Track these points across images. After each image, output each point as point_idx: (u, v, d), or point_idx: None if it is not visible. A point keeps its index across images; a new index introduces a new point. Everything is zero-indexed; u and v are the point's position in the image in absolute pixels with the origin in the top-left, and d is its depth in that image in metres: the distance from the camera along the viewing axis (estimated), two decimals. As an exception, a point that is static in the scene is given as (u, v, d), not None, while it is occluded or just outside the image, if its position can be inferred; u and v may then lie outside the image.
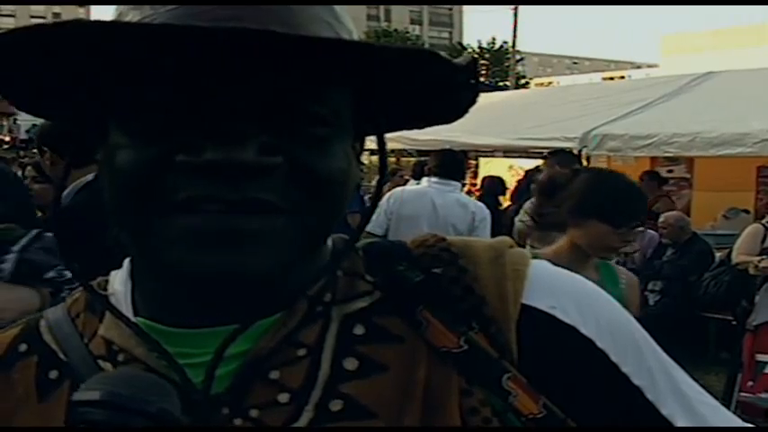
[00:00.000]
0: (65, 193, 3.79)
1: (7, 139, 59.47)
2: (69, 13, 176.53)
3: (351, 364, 0.95)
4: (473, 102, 0.99)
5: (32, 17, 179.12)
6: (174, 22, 0.83)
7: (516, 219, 6.80)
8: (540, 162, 9.76)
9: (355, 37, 0.95)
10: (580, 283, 1.04)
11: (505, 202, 10.70)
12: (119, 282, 1.05)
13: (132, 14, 0.90)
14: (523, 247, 1.07)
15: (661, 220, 9.93)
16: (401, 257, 1.03)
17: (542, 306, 0.98)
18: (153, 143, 0.86)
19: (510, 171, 12.74)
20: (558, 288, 1.01)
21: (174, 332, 0.96)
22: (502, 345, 0.96)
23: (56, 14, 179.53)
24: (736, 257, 8.21)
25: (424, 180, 7.45)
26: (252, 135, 0.84)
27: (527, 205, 6.74)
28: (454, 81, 0.93)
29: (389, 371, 0.94)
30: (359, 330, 0.97)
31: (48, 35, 0.82)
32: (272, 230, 0.86)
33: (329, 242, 1.03)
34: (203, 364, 0.93)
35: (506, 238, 1.07)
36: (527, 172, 10.21)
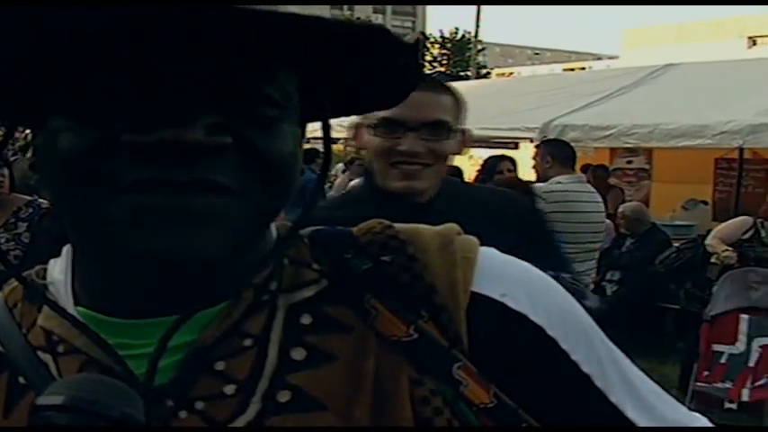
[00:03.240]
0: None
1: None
2: None
3: (298, 354, 0.93)
4: (416, 85, 0.98)
5: None
6: None
7: None
8: (500, 152, 9.78)
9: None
10: (529, 270, 1.03)
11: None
12: (58, 270, 1.02)
13: None
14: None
15: (620, 210, 10.01)
16: (348, 245, 1.01)
17: (492, 294, 0.97)
18: (97, 125, 0.83)
19: (470, 161, 12.73)
20: (508, 275, 1.00)
21: (116, 322, 0.94)
22: (452, 333, 0.95)
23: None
24: (710, 239, 8.47)
25: None
26: (201, 115, 0.82)
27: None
28: (399, 62, 0.93)
29: (338, 360, 0.93)
30: (306, 320, 0.96)
31: None
32: (220, 210, 0.84)
33: (273, 229, 1.01)
34: (146, 355, 0.91)
35: (454, 225, 1.05)
36: (485, 161, 10.20)
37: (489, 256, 1.01)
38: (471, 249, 1.01)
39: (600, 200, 6.86)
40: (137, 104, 0.83)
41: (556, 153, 6.88)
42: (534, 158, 7.25)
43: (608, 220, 9.01)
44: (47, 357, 0.97)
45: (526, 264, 1.04)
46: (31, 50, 0.86)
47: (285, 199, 0.93)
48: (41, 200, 5.64)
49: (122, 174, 0.83)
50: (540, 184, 7.11)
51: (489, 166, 9.61)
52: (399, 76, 0.96)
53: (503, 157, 9.12)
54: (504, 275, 1.00)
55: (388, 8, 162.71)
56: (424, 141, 2.57)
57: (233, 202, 0.85)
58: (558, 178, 6.62)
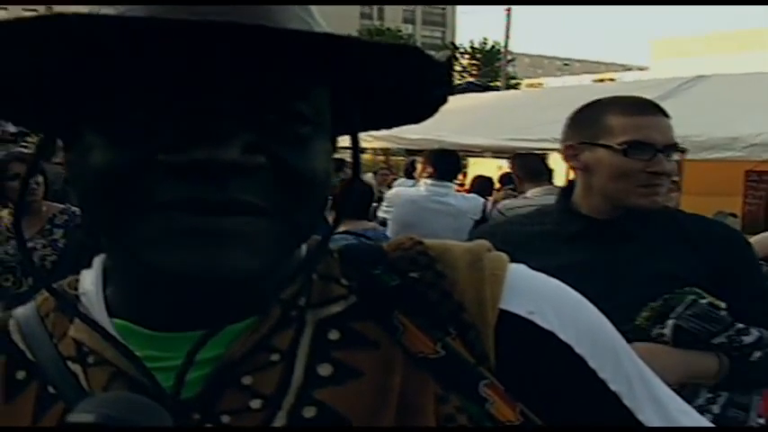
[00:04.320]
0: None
1: (-4, 130, 59.06)
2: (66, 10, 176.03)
3: (325, 369, 0.94)
4: (445, 101, 0.98)
5: (25, 10, 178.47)
6: (154, 14, 0.81)
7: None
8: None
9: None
10: (559, 287, 1.03)
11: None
12: (89, 281, 1.03)
13: (107, 11, 0.86)
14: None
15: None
16: (377, 261, 1.02)
17: (521, 311, 0.97)
18: (132, 143, 0.85)
19: (499, 171, 12.72)
20: (537, 293, 1.00)
21: (147, 334, 0.95)
22: (479, 351, 0.95)
23: (49, 9, 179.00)
24: None
25: (421, 183, 7.39)
26: (235, 134, 0.83)
27: (494, 212, 6.73)
28: (430, 79, 0.93)
29: (364, 376, 0.94)
30: (333, 335, 0.96)
31: (21, 30, 0.79)
32: (254, 231, 0.85)
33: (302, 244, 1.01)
34: (175, 368, 0.92)
35: (484, 242, 1.05)
36: (502, 176, 10.23)
37: (518, 273, 1.01)
38: (500, 266, 1.00)
39: None
40: (171, 123, 0.83)
41: (524, 167, 6.88)
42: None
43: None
44: (76, 368, 0.98)
45: (556, 281, 1.04)
46: (70, 66, 0.87)
47: (318, 216, 0.93)
48: (74, 207, 5.67)
49: (156, 192, 0.84)
50: (505, 201, 7.09)
51: (508, 179, 9.62)
52: (430, 92, 0.96)
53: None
54: (533, 292, 1.00)
55: (418, 18, 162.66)
56: (669, 162, 2.72)
57: (266, 222, 0.86)
58: (527, 193, 6.60)
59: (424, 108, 1.01)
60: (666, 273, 2.65)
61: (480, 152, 13.18)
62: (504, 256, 1.04)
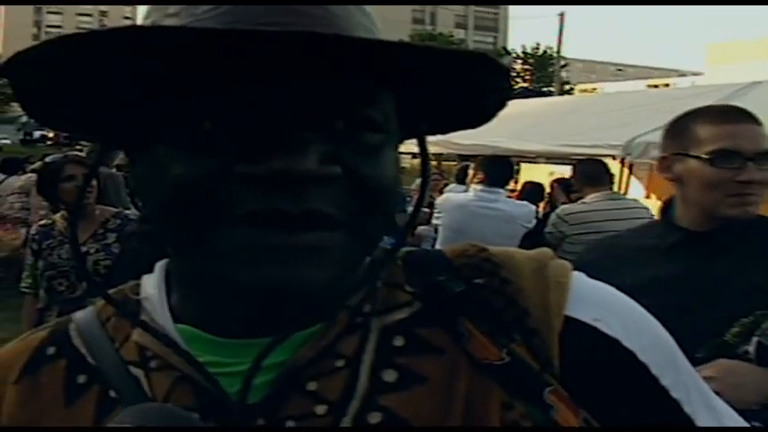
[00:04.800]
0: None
1: (51, 135, 60.03)
2: (116, 11, 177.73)
3: (390, 375, 0.94)
4: (503, 106, 0.97)
5: (79, 14, 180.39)
6: (227, 26, 0.81)
7: (546, 229, 6.70)
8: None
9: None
10: (620, 296, 1.03)
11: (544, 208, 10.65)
12: (152, 286, 1.04)
13: (170, 20, 0.87)
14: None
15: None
16: (441, 267, 1.02)
17: (585, 318, 0.97)
18: (208, 155, 0.84)
19: (550, 177, 12.67)
20: (601, 301, 1.00)
21: (212, 340, 0.95)
22: (544, 357, 0.94)
23: (102, 12, 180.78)
24: None
25: (471, 189, 7.37)
26: (311, 144, 0.82)
27: (552, 217, 6.68)
28: (491, 85, 0.93)
29: (429, 382, 0.93)
30: (398, 342, 0.96)
31: (93, 43, 0.79)
32: (330, 245, 0.85)
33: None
34: (241, 373, 0.92)
35: (547, 250, 1.05)
36: (553, 182, 10.17)
37: (582, 281, 1.02)
38: (565, 274, 1.00)
39: (644, 216, 6.45)
40: (245, 133, 0.83)
41: (585, 173, 6.74)
42: (571, 179, 7.12)
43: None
44: (138, 372, 0.99)
45: (615, 290, 1.04)
46: (140, 78, 0.87)
47: (388, 225, 0.93)
48: (127, 211, 5.69)
49: (233, 204, 0.84)
50: (564, 206, 7.03)
51: (564, 185, 9.57)
52: (489, 98, 0.96)
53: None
54: (597, 300, 1.00)
55: (470, 23, 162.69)
56: (760, 171, 2.63)
57: (340, 233, 0.86)
58: (584, 199, 6.52)
59: (482, 113, 1.01)
60: (762, 287, 2.56)
61: (533, 158, 13.15)
62: (567, 264, 1.04)
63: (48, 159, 5.85)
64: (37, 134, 64.85)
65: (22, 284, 5.76)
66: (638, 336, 0.98)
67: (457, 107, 0.99)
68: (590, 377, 0.95)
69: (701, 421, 1.00)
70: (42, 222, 5.77)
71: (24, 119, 77.78)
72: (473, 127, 1.04)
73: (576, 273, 1.02)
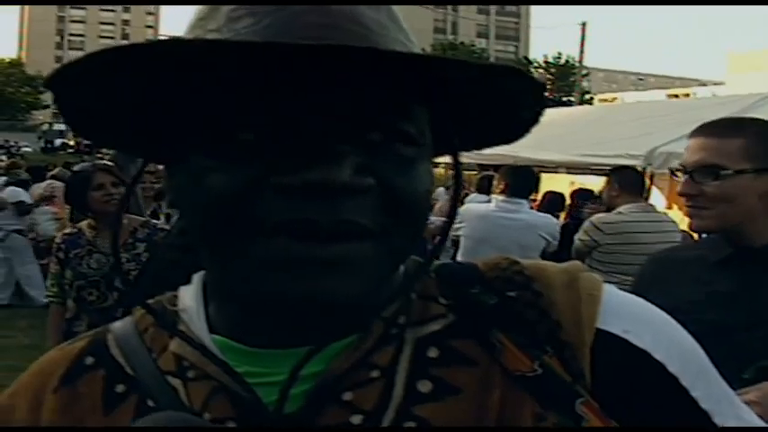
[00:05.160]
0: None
1: (72, 143, 60.21)
2: (139, 20, 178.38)
3: (424, 386, 0.94)
4: (537, 121, 0.98)
5: (102, 23, 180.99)
6: (267, 40, 0.83)
7: (576, 237, 6.66)
8: (593, 179, 9.70)
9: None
10: (650, 308, 1.04)
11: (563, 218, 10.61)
12: (189, 297, 1.05)
13: (212, 36, 0.89)
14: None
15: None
16: (474, 280, 1.03)
17: (616, 330, 0.97)
18: (244, 166, 0.85)
19: (571, 187, 12.65)
20: (631, 313, 1.01)
21: (248, 351, 0.96)
22: (576, 369, 0.95)
23: (125, 21, 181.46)
24: None
25: (493, 199, 7.33)
26: (346, 155, 0.84)
27: (586, 224, 6.62)
28: (525, 100, 0.93)
29: (463, 393, 0.94)
30: (432, 353, 0.97)
31: (133, 56, 0.80)
32: (362, 257, 0.86)
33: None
34: (277, 383, 0.93)
35: (578, 263, 1.06)
36: (574, 192, 10.13)
37: (613, 294, 1.02)
38: (596, 287, 1.01)
39: (672, 229, 6.48)
40: (281, 144, 0.85)
41: (623, 181, 6.63)
42: (604, 187, 7.06)
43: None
44: (176, 382, 1.00)
45: (646, 302, 1.04)
46: (177, 90, 0.90)
47: (419, 238, 0.94)
48: (154, 221, 5.66)
49: (268, 215, 0.85)
50: (599, 215, 6.97)
51: (579, 196, 9.55)
52: (522, 112, 0.97)
53: (592, 193, 9.07)
54: (628, 313, 1.00)
55: (492, 32, 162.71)
56: (696, 185, 2.66)
57: (373, 245, 0.87)
58: (620, 208, 6.44)
59: (516, 128, 1.02)
60: None
61: (554, 168, 13.13)
62: (597, 277, 1.04)
63: (76, 168, 5.84)
64: (58, 142, 65.03)
65: (47, 293, 5.76)
66: (667, 347, 0.99)
67: (491, 122, 1.00)
68: (620, 388, 0.95)
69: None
70: (68, 231, 5.73)
71: (45, 127, 78.00)
72: (507, 142, 1.05)
73: (606, 285, 1.03)
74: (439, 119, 0.96)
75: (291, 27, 0.84)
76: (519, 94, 0.91)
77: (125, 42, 0.79)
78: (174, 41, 0.78)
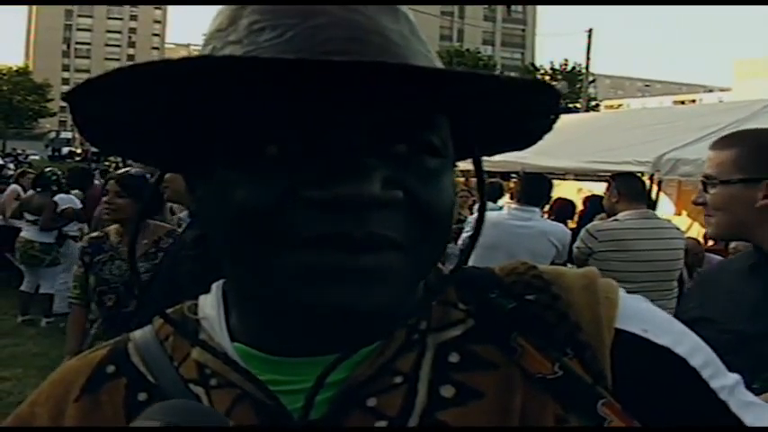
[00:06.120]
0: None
1: (79, 151, 60.23)
2: (145, 29, 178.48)
3: (447, 391, 0.95)
4: (550, 129, 0.99)
5: (109, 32, 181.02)
6: (290, 53, 0.83)
7: (574, 245, 6.63)
8: (601, 186, 9.67)
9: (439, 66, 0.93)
10: (663, 313, 1.05)
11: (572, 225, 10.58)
12: (209, 306, 1.06)
13: (232, 47, 0.89)
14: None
15: (732, 245, 9.81)
16: (493, 285, 1.04)
17: (636, 330, 0.98)
18: (274, 179, 0.86)
19: (579, 194, 12.64)
20: (649, 316, 1.02)
21: (271, 359, 0.97)
22: (596, 370, 0.96)
23: (132, 29, 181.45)
24: None
25: (505, 206, 7.28)
26: (375, 169, 0.84)
27: (582, 232, 6.52)
28: (540, 108, 0.95)
29: (485, 397, 0.94)
30: (454, 358, 0.98)
31: (158, 73, 0.80)
32: (390, 268, 0.86)
33: None
34: (302, 390, 0.94)
35: (594, 269, 1.07)
36: (587, 197, 10.09)
37: (629, 298, 1.03)
38: (613, 291, 1.02)
39: (675, 236, 6.45)
40: (309, 158, 0.86)
41: (622, 187, 6.55)
42: (605, 194, 7.02)
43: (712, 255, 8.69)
44: (199, 390, 1.01)
45: (657, 308, 1.06)
46: (204, 104, 0.90)
47: (443, 249, 0.95)
48: (179, 229, 5.60)
49: (298, 228, 0.85)
50: (595, 222, 6.91)
51: (592, 202, 9.53)
52: (535, 120, 0.98)
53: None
54: (645, 315, 1.01)
55: (498, 39, 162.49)
56: (704, 194, 2.80)
57: (401, 256, 0.87)
58: (618, 215, 6.39)
59: (530, 136, 1.03)
60: None
61: (562, 175, 13.12)
62: (613, 282, 1.05)
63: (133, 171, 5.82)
64: (65, 150, 65.02)
65: (70, 295, 5.75)
66: (685, 344, 1.00)
67: (506, 129, 1.01)
68: (642, 387, 0.96)
69: (747, 420, 1.00)
70: (94, 235, 5.72)
71: (52, 135, 78.01)
72: (520, 148, 1.06)
73: (622, 291, 1.04)
74: (458, 128, 0.97)
75: (315, 41, 0.84)
76: (535, 102, 0.92)
77: (157, 58, 0.79)
78: (202, 60, 0.79)
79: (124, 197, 5.49)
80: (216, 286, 1.09)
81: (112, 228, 5.63)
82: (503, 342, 0.98)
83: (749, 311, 2.57)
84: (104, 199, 5.49)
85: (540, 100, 0.92)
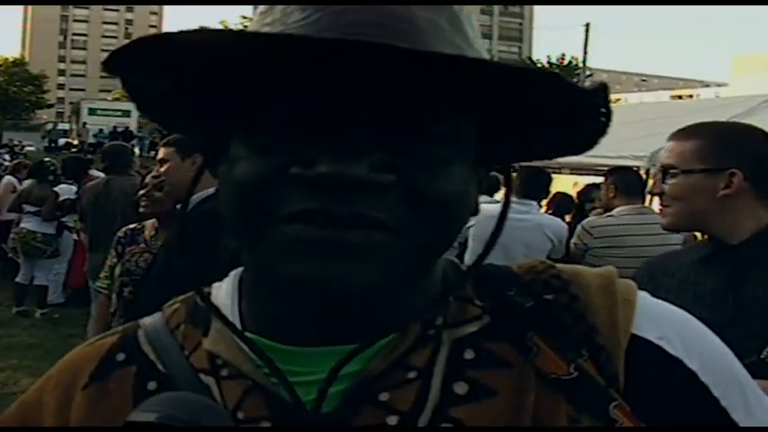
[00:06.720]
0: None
1: (76, 142, 60.32)
2: (142, 20, 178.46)
3: (461, 388, 0.95)
4: (603, 131, 0.95)
5: (105, 23, 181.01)
6: (309, 34, 0.84)
7: (571, 241, 6.62)
8: (597, 180, 9.66)
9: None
10: (684, 316, 1.04)
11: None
12: (224, 295, 1.06)
13: (265, 28, 0.90)
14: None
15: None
16: (511, 283, 1.03)
17: (650, 336, 0.98)
18: (270, 156, 0.88)
19: (574, 188, 12.62)
20: (665, 319, 1.01)
21: (283, 349, 0.96)
22: (610, 373, 0.96)
23: (128, 21, 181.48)
24: None
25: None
26: (365, 151, 0.85)
27: (578, 228, 6.53)
28: (580, 109, 0.91)
29: (499, 396, 0.94)
30: (469, 355, 0.97)
31: (175, 44, 0.83)
32: (376, 246, 0.86)
33: (439, 265, 1.03)
34: (314, 382, 0.94)
35: (612, 268, 1.06)
36: (581, 190, 10.08)
37: (647, 300, 1.03)
38: (631, 292, 1.02)
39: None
40: (309, 137, 0.86)
41: (620, 182, 6.52)
42: (602, 187, 6.97)
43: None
44: (209, 380, 1.00)
45: (680, 310, 1.05)
46: (225, 80, 0.92)
47: (449, 238, 0.94)
48: None
49: (287, 202, 0.86)
50: (590, 218, 6.89)
51: (584, 195, 9.51)
52: (584, 122, 0.95)
53: (598, 186, 9.04)
54: (662, 319, 1.01)
55: (495, 33, 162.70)
56: (661, 184, 2.84)
57: (390, 238, 0.87)
58: (613, 211, 6.38)
59: (582, 138, 0.99)
60: None
61: (558, 168, 13.12)
62: (632, 282, 1.05)
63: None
64: (61, 141, 64.90)
65: (99, 284, 5.75)
66: (699, 357, 0.99)
67: (547, 132, 0.99)
68: (652, 395, 0.96)
69: None
70: (132, 226, 5.64)
71: (49, 126, 77.93)
72: (576, 153, 1.03)
73: (641, 291, 1.03)
74: (492, 127, 0.96)
75: (339, 23, 0.84)
76: (571, 103, 0.89)
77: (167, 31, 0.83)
78: (199, 31, 0.81)
79: (161, 190, 5.41)
80: (233, 274, 1.09)
81: (149, 222, 5.55)
82: (519, 341, 0.98)
83: (710, 301, 2.60)
84: (141, 192, 5.41)
85: (576, 101, 0.89)
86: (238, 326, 1.01)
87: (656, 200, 3.01)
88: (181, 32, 0.81)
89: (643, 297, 1.03)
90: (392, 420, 0.93)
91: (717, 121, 3.04)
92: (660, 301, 1.05)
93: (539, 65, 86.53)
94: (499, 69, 0.84)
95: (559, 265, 1.06)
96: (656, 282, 2.83)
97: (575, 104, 0.90)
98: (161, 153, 5.06)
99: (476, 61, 0.83)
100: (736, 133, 2.88)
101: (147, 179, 5.52)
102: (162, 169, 5.05)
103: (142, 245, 5.43)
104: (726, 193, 2.70)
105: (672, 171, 2.78)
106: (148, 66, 0.88)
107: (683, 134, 2.87)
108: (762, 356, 2.43)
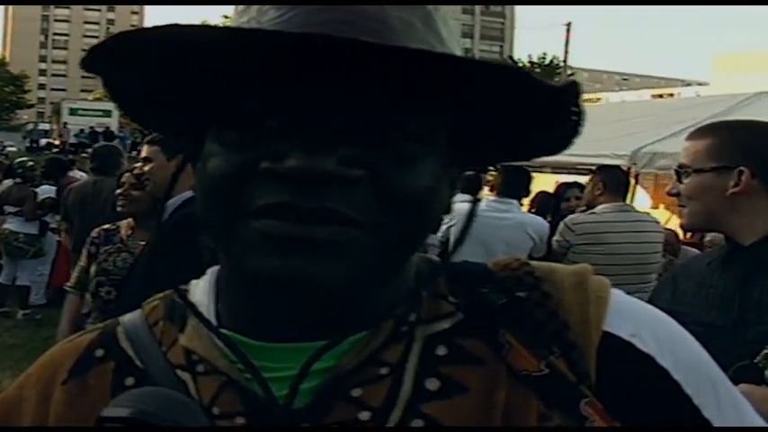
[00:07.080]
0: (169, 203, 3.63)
1: (57, 142, 60.00)
2: (124, 20, 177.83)
3: (432, 384, 0.95)
4: (576, 131, 0.97)
5: (86, 23, 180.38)
6: (279, 31, 0.85)
7: (553, 239, 6.66)
8: (579, 179, 9.68)
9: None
10: (658, 314, 1.05)
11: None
12: (200, 292, 1.07)
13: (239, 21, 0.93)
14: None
15: (707, 238, 9.84)
16: (485, 280, 1.04)
17: (622, 334, 0.98)
18: (241, 151, 0.89)
19: (556, 187, 12.66)
20: (638, 317, 1.02)
21: (258, 345, 0.97)
22: (581, 370, 0.96)
23: (110, 21, 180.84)
24: None
25: (484, 198, 7.27)
26: (334, 146, 0.85)
27: (560, 225, 6.55)
28: (554, 109, 0.92)
29: (470, 392, 0.94)
30: (441, 351, 0.97)
31: (144, 39, 0.84)
32: (344, 241, 0.86)
33: (412, 261, 1.04)
34: (286, 378, 0.94)
35: (587, 266, 1.06)
36: (556, 188, 10.10)
37: (620, 297, 1.03)
38: (604, 289, 1.02)
39: (653, 229, 6.48)
40: (279, 132, 0.88)
41: (608, 180, 6.56)
42: (587, 185, 6.97)
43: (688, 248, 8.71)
44: (186, 376, 1.01)
45: (653, 307, 1.06)
46: (196, 76, 0.93)
47: (420, 233, 0.95)
48: None
49: (257, 196, 0.87)
50: (573, 216, 6.92)
51: (560, 194, 9.53)
52: (554, 123, 0.96)
53: (573, 185, 9.06)
54: (635, 316, 1.01)
55: (476, 32, 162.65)
56: (678, 184, 2.82)
57: (359, 233, 0.87)
58: (596, 208, 6.42)
59: (557, 139, 1.00)
60: None
61: (539, 167, 13.14)
62: (606, 280, 1.05)
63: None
64: (43, 141, 64.58)
65: (68, 283, 5.68)
66: (672, 354, 0.99)
67: (518, 134, 1.00)
68: (624, 392, 0.96)
69: None
70: (107, 227, 5.57)
71: (30, 126, 77.59)
72: (552, 154, 1.04)
73: (614, 289, 1.04)
74: (468, 125, 0.97)
75: (310, 21, 0.86)
76: (543, 103, 0.91)
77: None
78: (170, 26, 0.82)
79: (140, 189, 5.38)
80: (210, 272, 1.09)
81: (124, 222, 5.49)
82: (491, 338, 0.98)
83: (719, 302, 2.59)
84: (118, 191, 5.38)
85: (551, 102, 0.90)
86: (214, 322, 1.01)
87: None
88: (155, 27, 0.82)
89: (617, 295, 1.03)
90: (364, 416, 0.93)
91: (735, 119, 3.01)
92: (634, 299, 1.05)
93: (520, 64, 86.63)
94: (464, 64, 0.84)
95: (534, 263, 1.06)
96: (678, 286, 2.82)
97: (548, 104, 0.91)
98: (145, 151, 5.01)
99: (441, 56, 0.84)
100: (746, 130, 2.85)
101: (125, 178, 5.48)
102: (146, 168, 5.01)
103: (119, 244, 5.38)
104: (735, 191, 2.67)
105: (686, 170, 2.77)
106: (125, 63, 0.89)
107: (698, 133, 2.84)
108: (755, 361, 2.41)
